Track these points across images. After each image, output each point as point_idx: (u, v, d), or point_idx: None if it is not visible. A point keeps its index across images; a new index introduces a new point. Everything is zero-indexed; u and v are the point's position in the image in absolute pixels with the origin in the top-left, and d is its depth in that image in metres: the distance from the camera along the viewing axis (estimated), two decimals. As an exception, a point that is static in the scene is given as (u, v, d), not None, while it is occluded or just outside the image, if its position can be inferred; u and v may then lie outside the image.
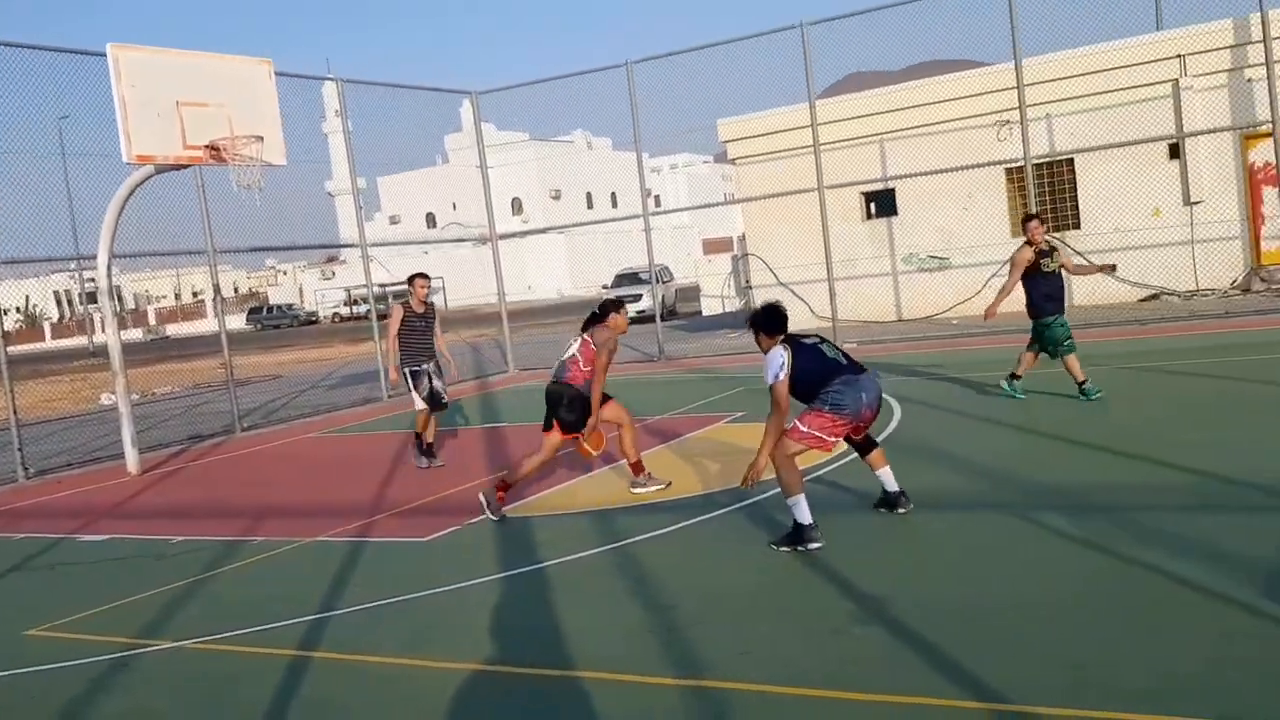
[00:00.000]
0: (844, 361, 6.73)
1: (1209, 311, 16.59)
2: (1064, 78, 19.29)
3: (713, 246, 49.16)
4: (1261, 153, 18.16)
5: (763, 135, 22.25)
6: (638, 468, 8.50)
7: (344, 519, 8.65)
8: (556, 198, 79.97)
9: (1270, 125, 16.00)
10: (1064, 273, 10.59)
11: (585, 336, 8.26)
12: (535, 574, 6.58)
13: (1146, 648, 4.42)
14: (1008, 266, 10.74)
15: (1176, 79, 19.00)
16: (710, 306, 29.97)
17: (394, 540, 7.92)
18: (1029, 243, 10.49)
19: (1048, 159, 19.53)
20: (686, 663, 4.84)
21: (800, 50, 18.11)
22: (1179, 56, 18.98)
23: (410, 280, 10.85)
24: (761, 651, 4.88)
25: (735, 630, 5.20)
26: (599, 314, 8.39)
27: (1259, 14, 16.74)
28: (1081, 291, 19.83)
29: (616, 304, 8.45)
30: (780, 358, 6.53)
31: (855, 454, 7.23)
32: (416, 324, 10.77)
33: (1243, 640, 4.36)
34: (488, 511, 8.11)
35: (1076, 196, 20.11)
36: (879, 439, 7.65)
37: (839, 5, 19.13)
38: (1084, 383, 10.16)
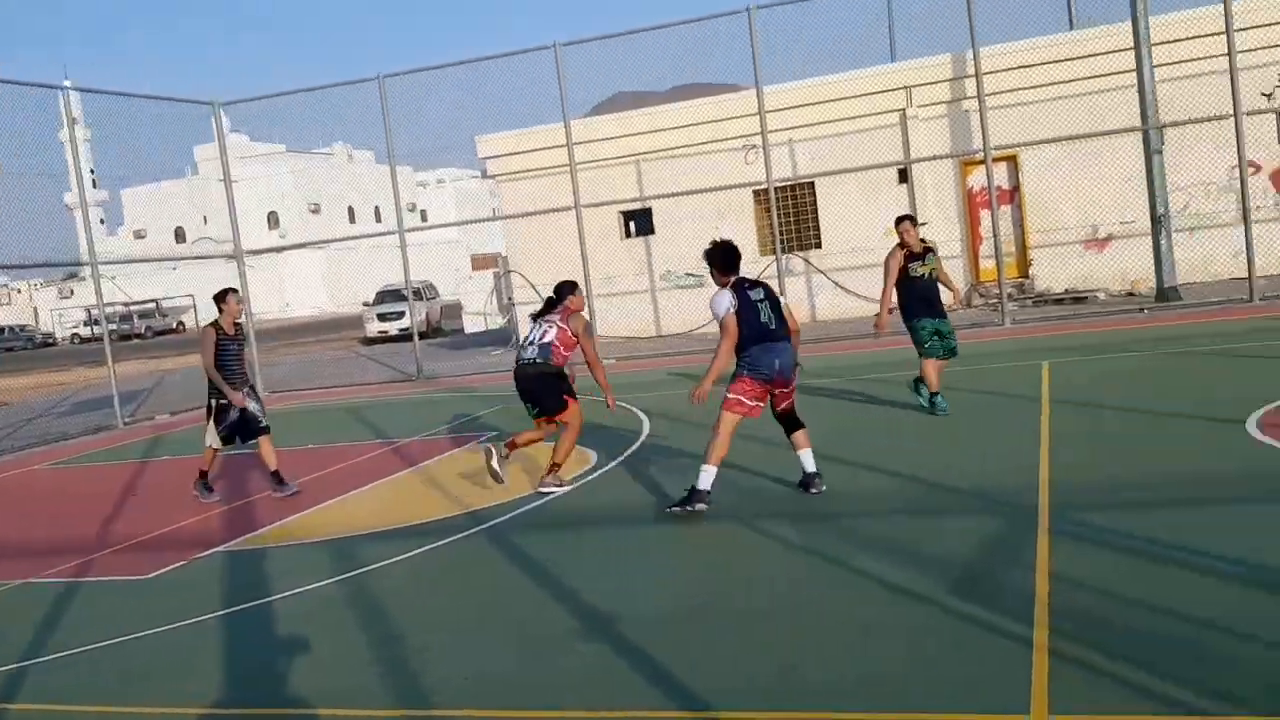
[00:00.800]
0: (772, 327, 7.27)
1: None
2: (804, 105, 20.39)
3: (481, 263, 48.79)
4: (978, 178, 19.76)
5: (522, 153, 22.35)
6: (554, 469, 8.58)
7: (59, 558, 8.05)
8: (316, 211, 77.47)
9: (983, 153, 17.41)
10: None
11: (560, 323, 8.53)
12: (264, 608, 6.33)
13: (851, 647, 4.71)
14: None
15: (904, 109, 20.42)
16: (472, 324, 29.77)
17: (112, 579, 7.44)
18: (901, 245, 10.00)
19: (790, 182, 20.54)
20: (413, 694, 4.78)
21: (572, 69, 18.41)
22: (906, 88, 20.41)
23: (220, 298, 9.58)
24: (486, 675, 4.89)
25: (462, 656, 5.18)
26: (556, 298, 8.70)
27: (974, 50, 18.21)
28: (822, 305, 20.98)
29: (571, 285, 8.79)
30: (728, 299, 7.22)
31: (613, 463, 7.37)
32: (230, 346, 9.52)
33: (936, 636, 4.72)
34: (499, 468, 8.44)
35: (818, 217, 21.24)
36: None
37: (618, 22, 19.48)
38: (935, 394, 9.86)
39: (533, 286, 22.31)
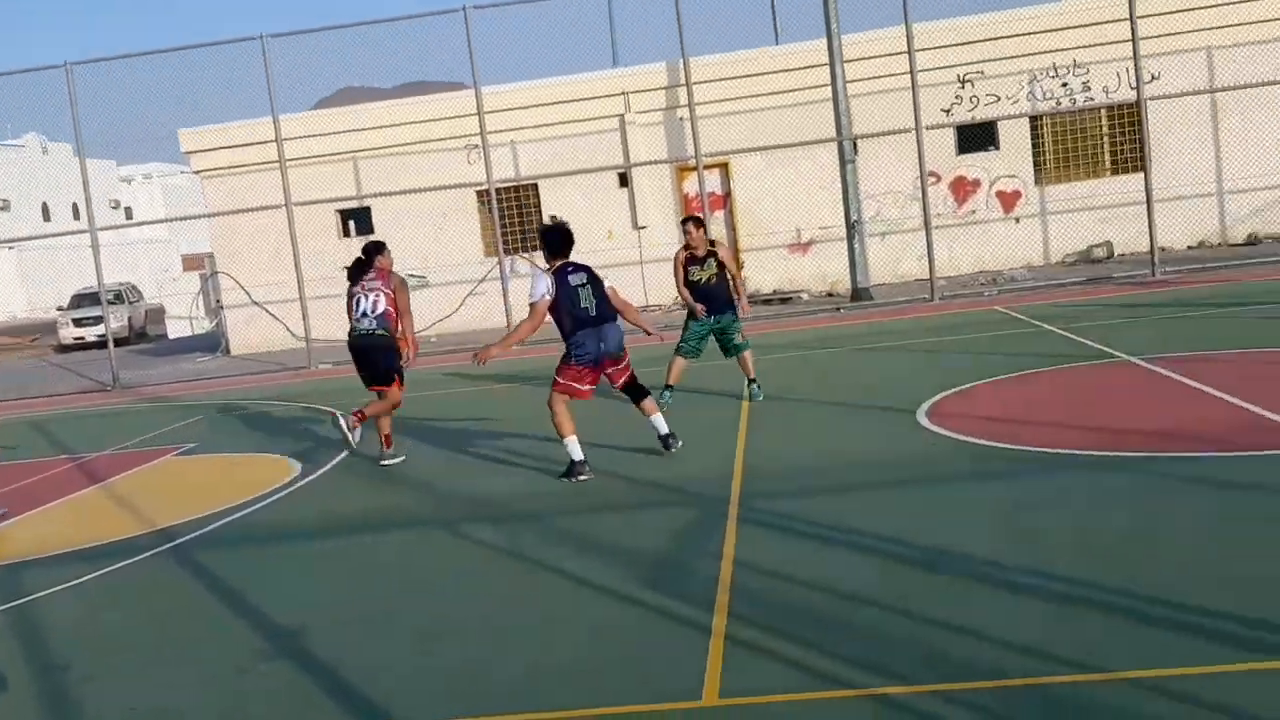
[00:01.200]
0: (593, 312, 7.51)
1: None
2: (527, 106, 20.47)
3: (192, 264, 46.09)
4: (692, 184, 20.51)
5: (229, 147, 21.22)
6: (389, 440, 9.04)
7: None
8: (4, 208, 70.56)
9: (695, 160, 18.07)
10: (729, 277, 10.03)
11: (384, 289, 8.84)
12: (-98, 649, 5.66)
13: (537, 645, 4.72)
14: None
15: (623, 114, 20.89)
16: (178, 328, 27.98)
17: None
18: (685, 247, 9.99)
19: (513, 183, 20.57)
20: (67, 729, 4.40)
21: (291, 63, 17.56)
22: (624, 94, 20.88)
23: None
24: (153, 705, 4.56)
25: (131, 685, 4.82)
26: (366, 260, 8.97)
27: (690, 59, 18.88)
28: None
29: (379, 245, 9.15)
30: (544, 285, 7.50)
31: (316, 474, 7.08)
32: None
33: (619, 628, 4.81)
34: (352, 435, 8.97)
35: (542, 219, 21.38)
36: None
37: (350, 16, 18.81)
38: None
39: (243, 288, 21.25)
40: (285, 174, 17.86)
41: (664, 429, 7.98)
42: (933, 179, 19.41)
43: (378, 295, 8.78)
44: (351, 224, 21.99)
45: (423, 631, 5.07)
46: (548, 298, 7.46)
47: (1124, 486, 6.08)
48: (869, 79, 19.15)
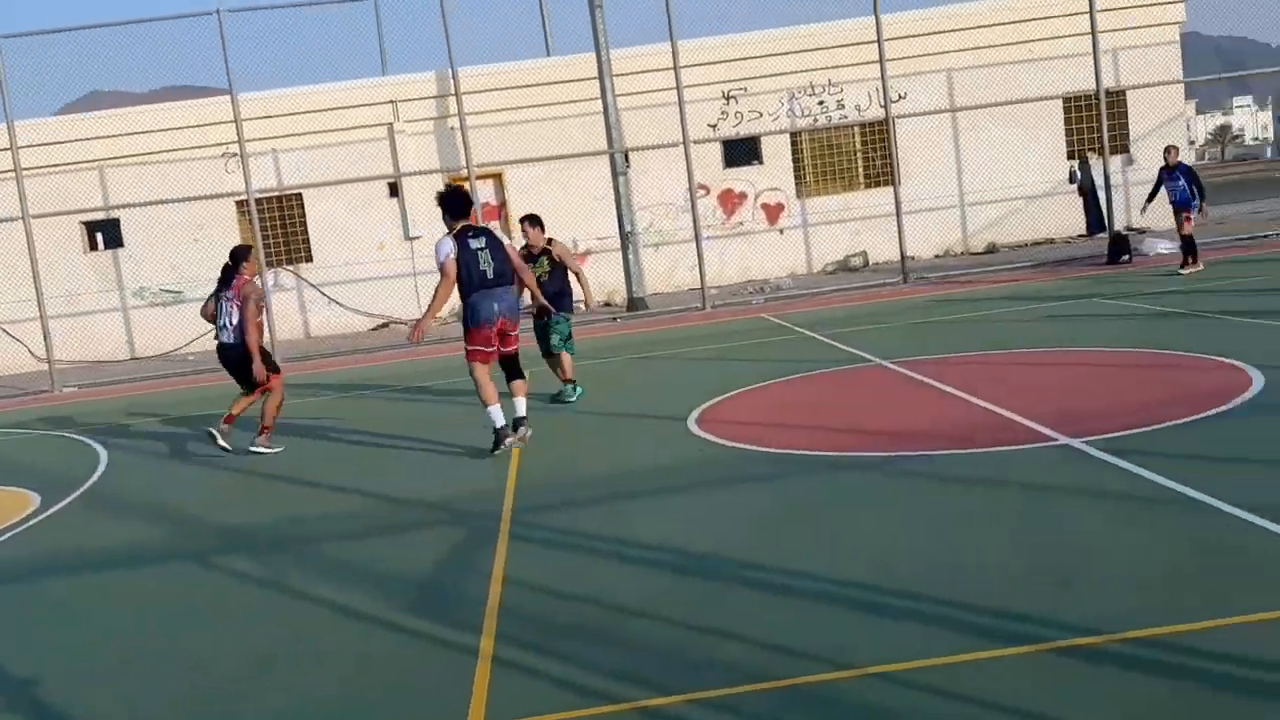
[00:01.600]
0: (490, 275, 7.89)
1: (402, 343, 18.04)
2: (290, 114, 19.73)
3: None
4: (466, 194, 20.31)
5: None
6: (265, 430, 9.37)
7: None
8: None
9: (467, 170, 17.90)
10: (570, 275, 10.27)
11: (235, 298, 9.09)
12: None
13: (296, 680, 4.51)
14: None
15: (392, 123, 20.46)
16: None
17: None
18: (525, 246, 10.17)
19: (276, 193, 19.77)
20: None
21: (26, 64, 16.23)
22: (393, 102, 20.47)
23: None
24: None
25: None
26: (232, 266, 9.19)
27: (460, 69, 18.69)
28: (316, 321, 20.42)
29: (244, 250, 9.35)
30: (449, 246, 7.88)
31: (57, 506, 6.51)
32: None
33: (379, 661, 4.65)
34: (223, 441, 9.23)
35: (307, 230, 20.65)
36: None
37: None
38: (569, 382, 10.30)
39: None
40: (21, 183, 16.52)
41: (521, 412, 8.33)
42: (702, 191, 20.00)
43: (233, 309, 9.14)
44: (99, 236, 20.59)
45: (175, 672, 4.75)
46: (452, 257, 7.83)
47: (872, 485, 6.39)
48: (640, 93, 19.52)
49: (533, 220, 10.18)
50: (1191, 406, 7.15)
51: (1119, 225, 18.56)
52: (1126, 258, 16.97)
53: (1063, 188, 20.88)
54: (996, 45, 21.11)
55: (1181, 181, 14.78)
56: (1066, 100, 20.92)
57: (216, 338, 9.36)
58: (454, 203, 8.09)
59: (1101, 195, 18.55)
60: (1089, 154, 20.31)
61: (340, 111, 20.05)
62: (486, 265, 7.92)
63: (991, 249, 21.57)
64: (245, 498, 8.20)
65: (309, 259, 20.59)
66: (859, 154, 21.75)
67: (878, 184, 21.19)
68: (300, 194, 20.15)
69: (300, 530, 6.95)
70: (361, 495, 7.61)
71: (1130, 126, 21.23)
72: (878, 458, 6.96)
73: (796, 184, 21.48)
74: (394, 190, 20.48)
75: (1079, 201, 20.47)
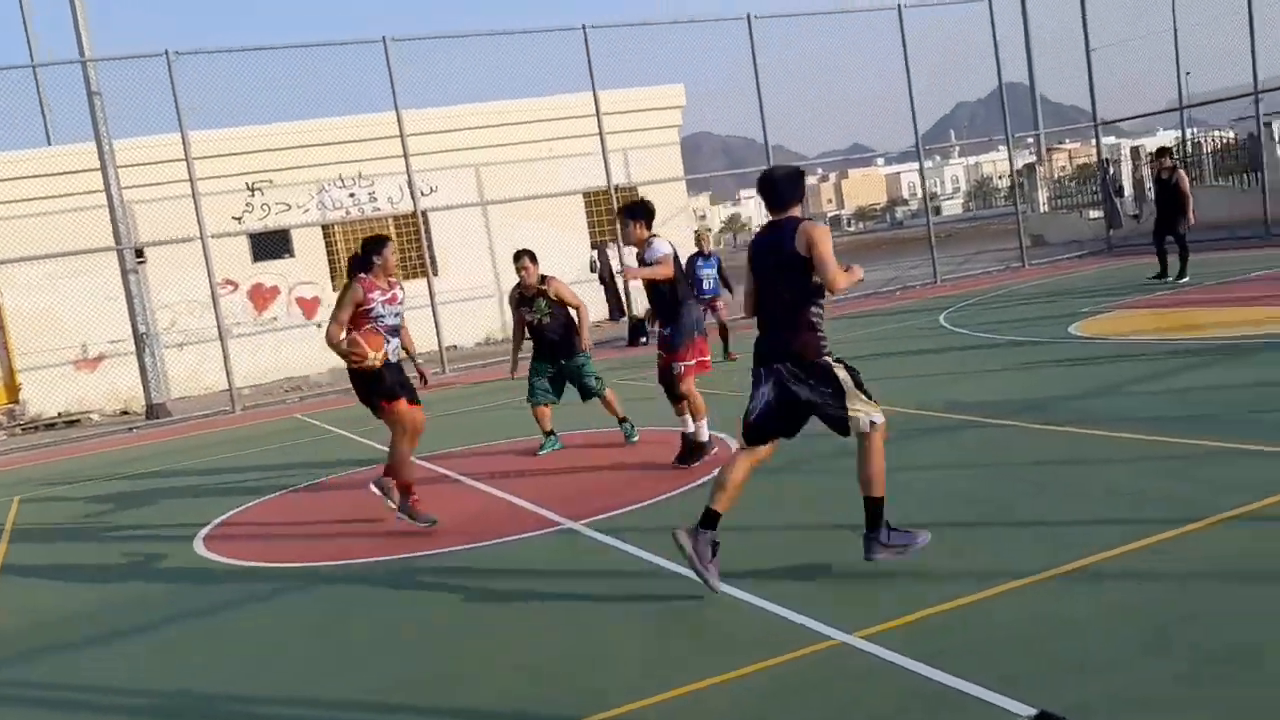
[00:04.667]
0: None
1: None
2: None
3: None
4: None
5: None
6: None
7: None
8: None
9: None
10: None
11: (395, 290, 7.55)
12: None
13: None
14: None
15: None
16: None
17: None
18: (518, 285, 9.42)
19: None
20: None
21: None
22: None
23: None
24: None
25: None
26: (364, 256, 7.59)
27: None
28: None
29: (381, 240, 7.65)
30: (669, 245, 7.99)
31: None
32: None
33: None
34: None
35: None
36: None
37: None
38: (625, 420, 9.47)
39: None
40: None
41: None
42: (230, 287, 19.05)
43: (388, 298, 7.56)
44: None
45: None
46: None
47: (370, 595, 6.24)
48: (153, 185, 18.30)
49: (532, 256, 9.27)
50: (683, 479, 7.73)
51: (639, 309, 20.05)
52: (644, 339, 18.33)
53: (587, 275, 22.26)
54: (522, 143, 22.22)
55: (713, 269, 14.44)
56: (587, 195, 22.42)
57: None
58: (652, 214, 8.13)
59: (619, 281, 19.97)
60: (606, 243, 21.84)
61: None
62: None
63: (529, 335, 22.42)
64: None
65: None
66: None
67: (416, 275, 21.37)
68: None
69: None
70: None
71: (644, 218, 23.13)
72: (393, 561, 6.81)
73: (332, 277, 21.10)
74: None
75: (601, 289, 21.92)
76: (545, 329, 9.25)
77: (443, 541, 7.04)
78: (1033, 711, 3.46)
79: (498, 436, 11.01)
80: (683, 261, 9.10)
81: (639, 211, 8.04)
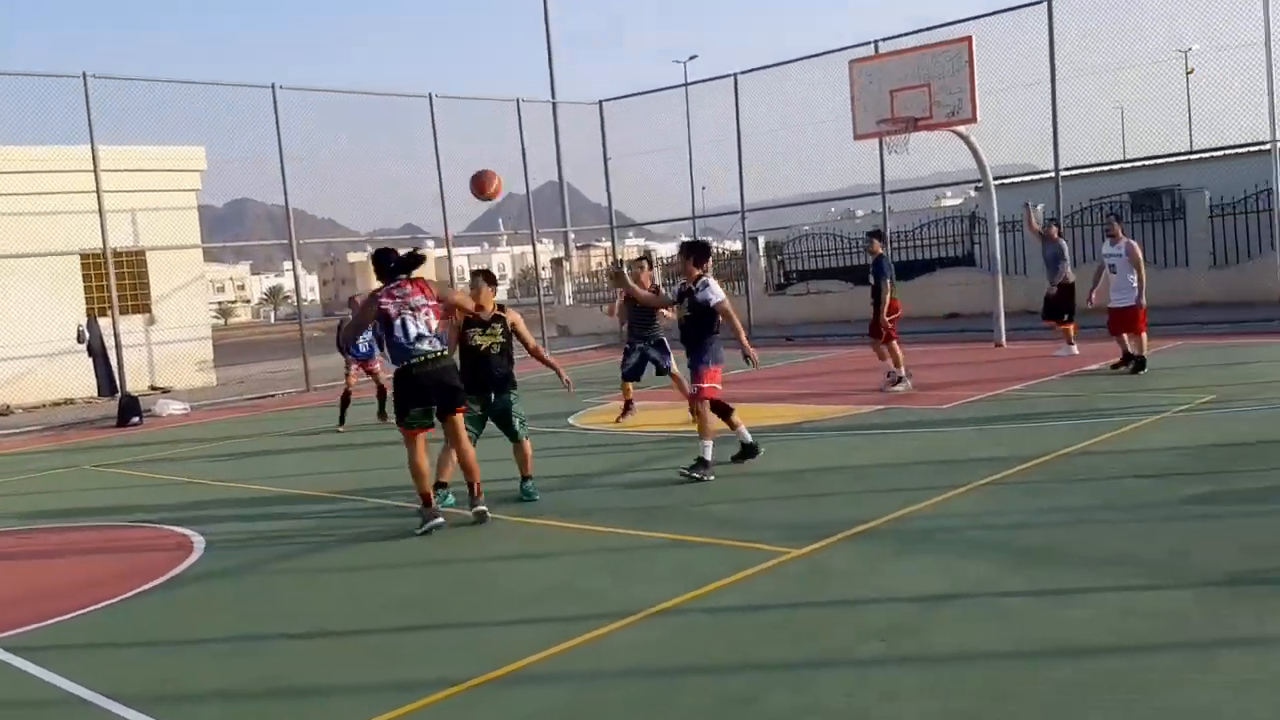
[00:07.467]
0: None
1: None
2: None
3: None
4: None
5: None
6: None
7: None
8: None
9: None
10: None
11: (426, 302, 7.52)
12: None
13: None
14: None
15: None
16: None
17: None
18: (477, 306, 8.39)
19: None
20: None
21: None
22: None
23: None
24: None
25: None
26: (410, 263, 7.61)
27: None
28: None
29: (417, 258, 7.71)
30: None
31: None
32: None
33: None
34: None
35: None
36: None
37: None
38: (529, 477, 8.57)
39: None
40: None
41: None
42: None
43: (428, 312, 7.56)
44: None
45: None
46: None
47: None
48: None
49: (488, 278, 8.45)
50: (126, 583, 6.92)
51: (145, 384, 18.34)
52: (137, 419, 16.71)
53: (80, 347, 20.05)
54: (14, 194, 19.67)
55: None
56: (86, 257, 20.27)
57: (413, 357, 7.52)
58: (709, 253, 9.18)
59: (112, 355, 18.13)
60: (96, 312, 19.82)
61: None
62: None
63: (5, 411, 19.73)
64: None
65: None
66: None
67: None
68: None
69: None
70: None
71: (152, 286, 21.34)
72: None
73: None
74: None
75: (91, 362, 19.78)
76: (493, 357, 8.35)
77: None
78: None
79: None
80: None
81: (698, 251, 8.90)
